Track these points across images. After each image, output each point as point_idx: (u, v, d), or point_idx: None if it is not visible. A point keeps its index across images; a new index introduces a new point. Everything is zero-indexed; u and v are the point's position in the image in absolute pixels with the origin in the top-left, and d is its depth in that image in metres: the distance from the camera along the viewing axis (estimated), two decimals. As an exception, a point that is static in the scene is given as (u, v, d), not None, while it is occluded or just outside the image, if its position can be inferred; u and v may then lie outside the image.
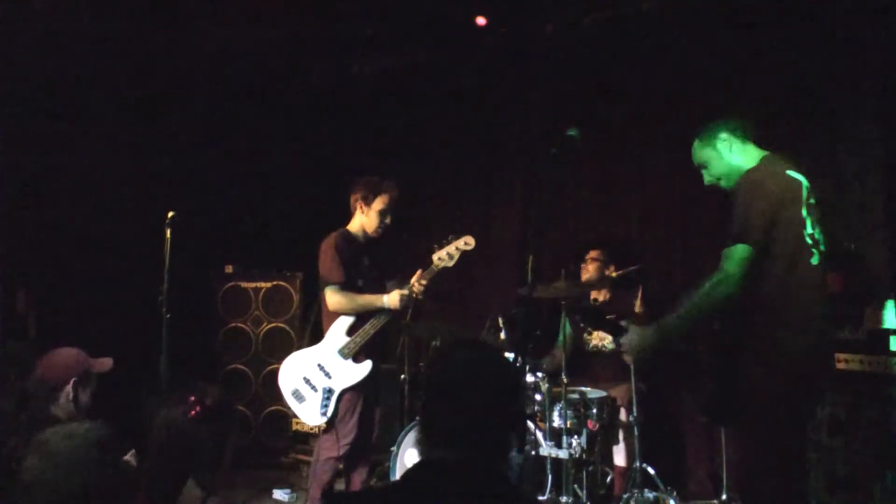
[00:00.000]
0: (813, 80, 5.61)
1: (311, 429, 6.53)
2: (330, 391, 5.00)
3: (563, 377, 5.22)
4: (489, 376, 2.19)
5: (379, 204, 5.14)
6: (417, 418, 5.40)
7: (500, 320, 5.86)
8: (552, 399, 5.33)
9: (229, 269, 7.37)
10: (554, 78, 6.84)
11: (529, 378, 5.37)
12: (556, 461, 5.31)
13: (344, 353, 5.03)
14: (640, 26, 6.29)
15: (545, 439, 5.29)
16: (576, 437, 5.26)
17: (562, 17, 6.50)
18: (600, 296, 6.14)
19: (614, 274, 5.93)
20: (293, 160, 7.91)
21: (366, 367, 4.99)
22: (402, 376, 6.59)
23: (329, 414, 4.96)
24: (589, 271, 6.06)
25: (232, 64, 7.22)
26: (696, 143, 3.93)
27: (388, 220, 5.21)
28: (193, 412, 3.87)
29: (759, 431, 3.52)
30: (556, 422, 5.33)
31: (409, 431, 5.39)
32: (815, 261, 3.53)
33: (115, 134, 6.69)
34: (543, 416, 5.35)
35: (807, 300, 3.50)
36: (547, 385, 5.32)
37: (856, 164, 5.40)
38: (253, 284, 7.31)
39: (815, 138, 5.68)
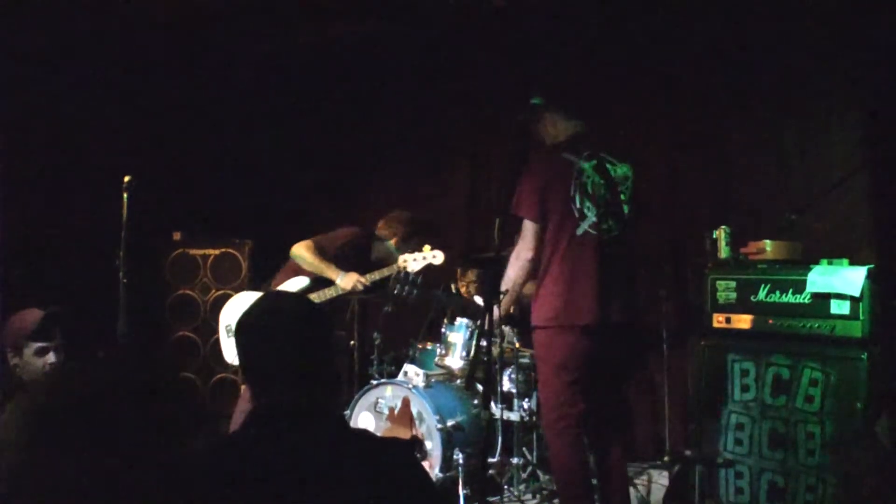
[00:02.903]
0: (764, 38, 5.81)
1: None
2: None
3: (516, 342, 5.36)
4: (302, 319, 2.30)
5: (415, 244, 5.37)
6: (371, 382, 5.56)
7: (453, 287, 5.97)
8: (503, 363, 5.47)
9: (177, 235, 7.33)
10: (505, 50, 6.92)
11: (483, 343, 5.48)
12: (507, 424, 5.46)
13: None
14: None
15: (495, 402, 5.43)
16: (525, 400, 5.40)
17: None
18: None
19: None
20: (242, 129, 7.88)
21: None
22: (352, 342, 6.67)
23: None
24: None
25: (182, 32, 7.16)
26: None
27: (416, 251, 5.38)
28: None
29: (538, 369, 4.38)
30: (507, 385, 5.47)
31: (362, 395, 5.47)
32: (580, 231, 4.13)
33: (66, 98, 6.61)
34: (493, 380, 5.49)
35: (568, 262, 4.13)
36: (498, 349, 5.45)
37: (797, 134, 5.62)
38: (201, 251, 7.26)
39: (755, 116, 5.88)
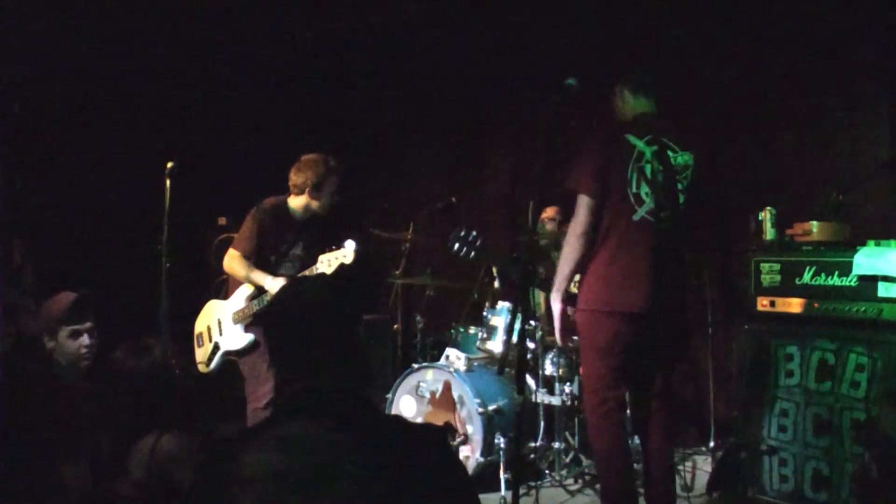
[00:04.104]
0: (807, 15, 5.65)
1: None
2: (217, 347, 5.21)
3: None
4: (327, 304, 2.27)
5: (331, 186, 5.09)
6: (413, 366, 5.55)
7: (494, 270, 5.92)
8: (545, 347, 5.43)
9: (222, 220, 7.38)
10: (547, 30, 6.84)
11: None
12: (549, 408, 5.43)
13: (234, 317, 5.14)
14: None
15: (538, 387, 5.39)
16: (567, 384, 5.35)
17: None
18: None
19: None
20: (286, 114, 7.90)
21: (245, 338, 5.08)
22: (395, 326, 6.68)
23: (212, 367, 5.22)
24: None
25: (227, 18, 7.19)
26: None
27: (337, 198, 5.16)
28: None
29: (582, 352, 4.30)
30: (549, 370, 5.43)
31: (403, 379, 5.47)
32: (636, 217, 4.01)
33: (110, 86, 6.68)
34: (536, 364, 5.45)
35: (623, 249, 4.01)
36: (540, 333, 5.41)
37: (844, 114, 5.47)
38: (246, 236, 7.30)
39: (800, 93, 5.74)
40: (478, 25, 7.20)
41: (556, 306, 4.20)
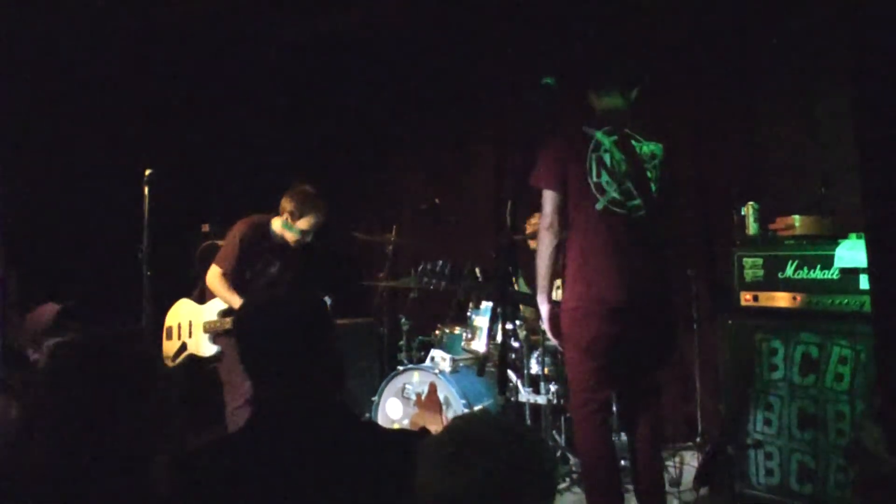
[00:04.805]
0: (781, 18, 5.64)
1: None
2: (184, 346, 5.32)
3: (541, 324, 5.30)
4: (301, 313, 2.29)
5: (304, 224, 5.17)
6: (399, 368, 5.54)
7: (477, 271, 5.91)
8: (530, 346, 5.42)
9: (205, 227, 7.34)
10: (525, 29, 6.84)
11: (508, 326, 5.43)
12: (535, 407, 5.42)
13: (205, 326, 5.23)
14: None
15: (523, 386, 5.39)
16: (553, 383, 5.34)
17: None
18: None
19: None
20: (270, 118, 7.89)
21: (211, 349, 5.21)
22: (381, 329, 6.67)
23: (177, 362, 5.32)
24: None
25: (207, 21, 7.16)
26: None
27: (308, 239, 5.26)
28: None
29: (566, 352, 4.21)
30: (534, 369, 5.42)
31: (389, 381, 5.47)
32: (599, 206, 3.94)
33: (90, 93, 6.65)
34: (521, 364, 5.44)
35: (590, 240, 3.96)
36: (525, 332, 5.40)
37: (826, 107, 5.46)
38: (229, 242, 7.27)
39: (785, 86, 5.74)
40: (462, 25, 7.18)
41: (544, 307, 4.16)
